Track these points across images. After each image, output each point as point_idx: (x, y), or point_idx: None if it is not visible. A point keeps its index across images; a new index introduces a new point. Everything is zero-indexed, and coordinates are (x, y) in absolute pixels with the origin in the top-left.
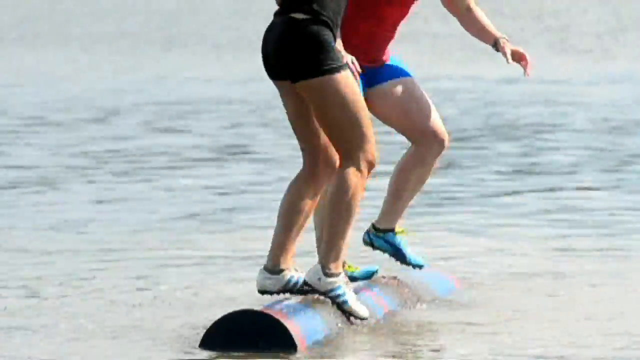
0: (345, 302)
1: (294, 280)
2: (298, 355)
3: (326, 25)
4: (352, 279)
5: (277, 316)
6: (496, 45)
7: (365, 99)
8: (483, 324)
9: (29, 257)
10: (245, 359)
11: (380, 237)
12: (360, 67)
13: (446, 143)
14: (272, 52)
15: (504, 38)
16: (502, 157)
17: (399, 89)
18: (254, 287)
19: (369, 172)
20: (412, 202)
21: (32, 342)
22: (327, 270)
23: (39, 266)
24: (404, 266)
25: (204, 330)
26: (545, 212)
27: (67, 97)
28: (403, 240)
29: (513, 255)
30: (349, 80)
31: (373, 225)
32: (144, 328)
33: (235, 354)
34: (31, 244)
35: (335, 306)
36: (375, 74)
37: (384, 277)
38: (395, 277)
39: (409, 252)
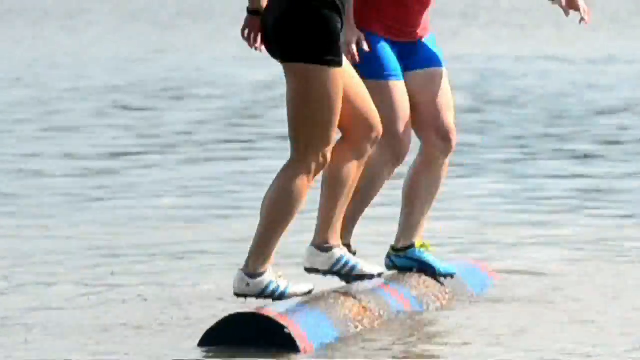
0: (283, 293)
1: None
2: (301, 357)
3: (338, 12)
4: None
5: (279, 319)
6: None
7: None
8: (508, 325)
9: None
10: (245, 359)
11: (402, 257)
12: (393, 44)
13: (453, 143)
14: (271, 28)
15: None
16: None
17: (436, 80)
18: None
19: (317, 173)
20: (429, 214)
21: (33, 339)
22: (252, 272)
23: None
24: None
25: (204, 330)
26: None
27: None
28: (426, 253)
29: None
30: (339, 80)
31: (392, 247)
32: (142, 327)
33: (236, 353)
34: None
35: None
36: (411, 54)
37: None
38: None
39: (437, 262)
